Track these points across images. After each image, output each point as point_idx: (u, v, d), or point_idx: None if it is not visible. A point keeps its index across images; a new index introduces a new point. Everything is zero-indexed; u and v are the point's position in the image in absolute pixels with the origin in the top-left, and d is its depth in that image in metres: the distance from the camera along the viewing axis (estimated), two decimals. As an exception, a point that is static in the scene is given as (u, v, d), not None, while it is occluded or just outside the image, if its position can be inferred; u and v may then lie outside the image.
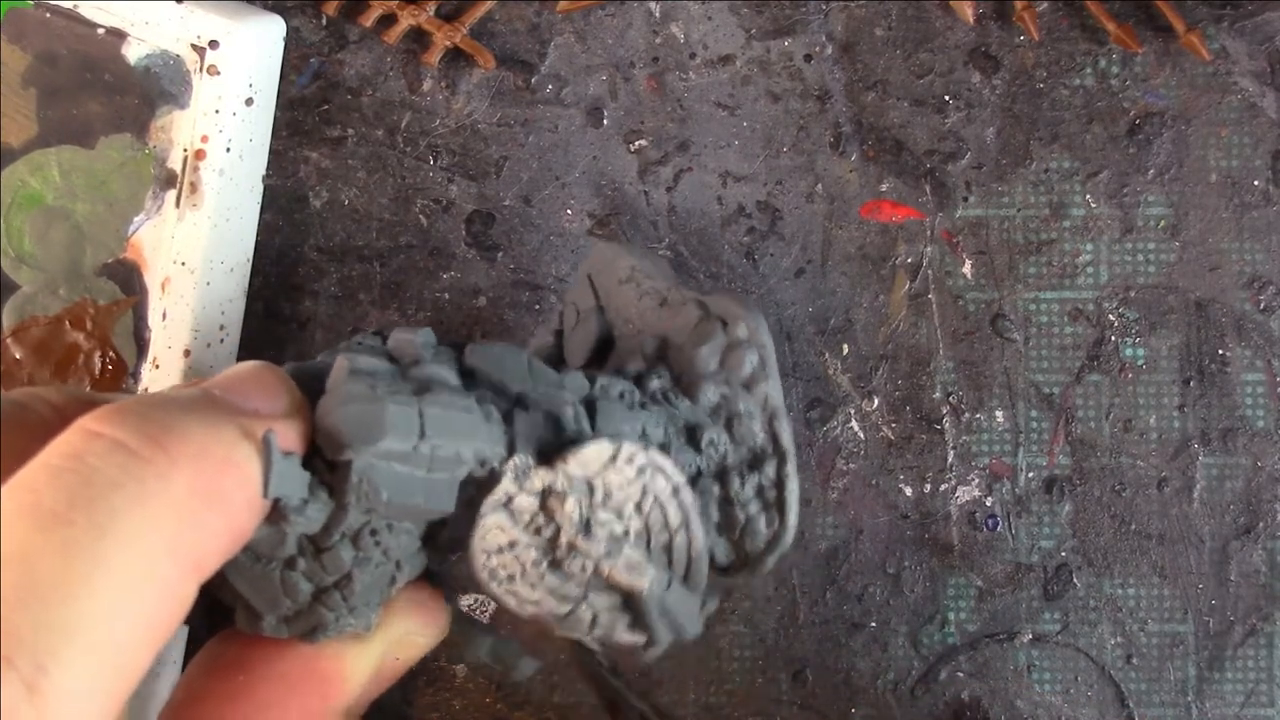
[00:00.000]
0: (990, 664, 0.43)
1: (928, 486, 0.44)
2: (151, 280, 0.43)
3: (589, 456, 0.31)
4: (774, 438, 0.34)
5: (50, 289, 0.44)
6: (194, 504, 0.24)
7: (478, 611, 0.40)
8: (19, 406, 0.27)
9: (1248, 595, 0.43)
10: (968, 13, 0.43)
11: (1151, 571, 0.43)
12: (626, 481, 0.31)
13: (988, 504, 0.43)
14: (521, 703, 0.44)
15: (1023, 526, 0.43)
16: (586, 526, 0.31)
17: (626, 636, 0.32)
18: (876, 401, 0.44)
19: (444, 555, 0.31)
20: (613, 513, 0.32)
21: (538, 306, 0.44)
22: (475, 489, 0.29)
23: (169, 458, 0.24)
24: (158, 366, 0.43)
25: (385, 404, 0.27)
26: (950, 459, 0.44)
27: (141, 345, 0.43)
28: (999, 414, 0.43)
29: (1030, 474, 0.43)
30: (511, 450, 0.29)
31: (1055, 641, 0.43)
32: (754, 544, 0.34)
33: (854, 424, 0.44)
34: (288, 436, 0.27)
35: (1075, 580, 0.43)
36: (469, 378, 0.31)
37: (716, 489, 0.34)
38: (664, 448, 0.33)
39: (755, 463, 0.34)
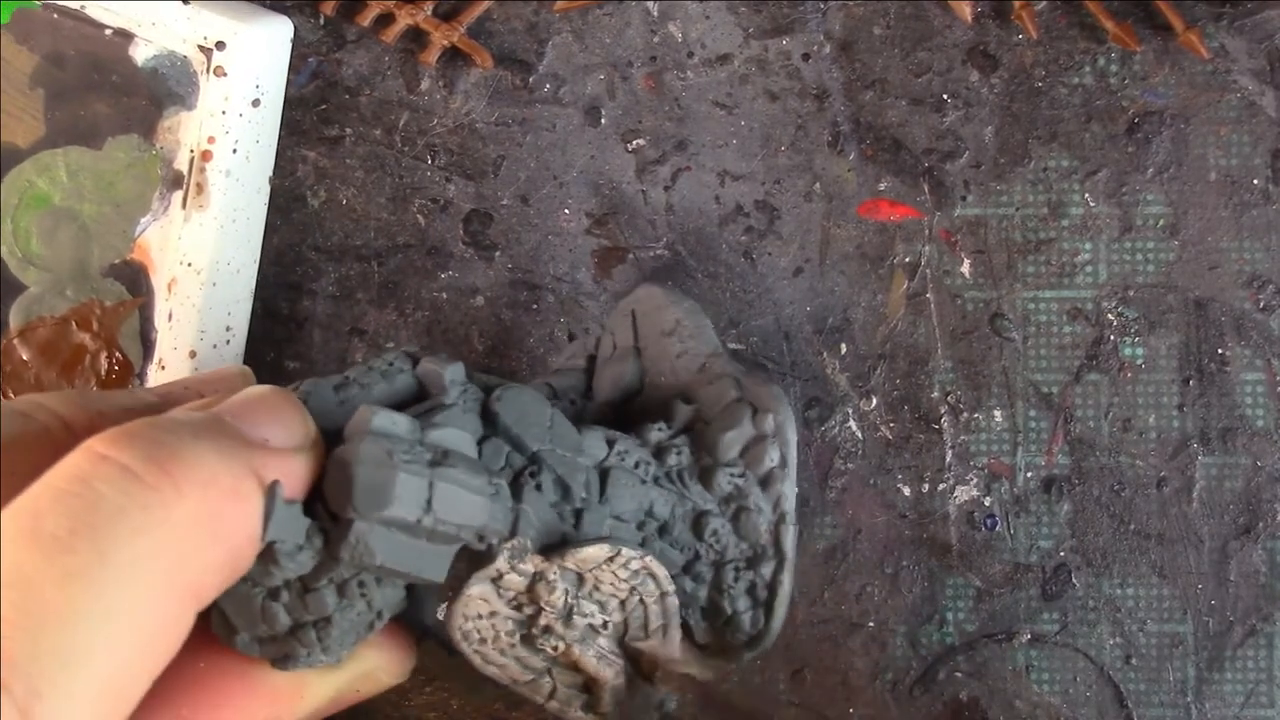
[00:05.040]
0: (989, 664, 0.43)
1: (926, 486, 0.43)
2: (158, 281, 0.43)
3: (588, 555, 0.31)
4: (777, 540, 0.34)
5: (57, 289, 0.44)
6: (197, 535, 0.24)
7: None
8: (22, 417, 0.27)
9: (1247, 595, 0.43)
10: (966, 11, 0.43)
11: (1151, 571, 0.43)
12: (618, 580, 0.32)
13: (986, 504, 0.43)
14: (519, 702, 0.44)
15: (1021, 526, 0.43)
16: (569, 615, 0.32)
17: (579, 715, 0.33)
18: (874, 401, 0.44)
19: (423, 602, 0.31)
20: (596, 605, 0.32)
21: (535, 306, 0.44)
22: (468, 558, 0.30)
23: (175, 486, 0.24)
24: (164, 367, 0.43)
25: (396, 473, 0.27)
26: (948, 458, 0.43)
27: (148, 346, 0.44)
28: (997, 413, 0.43)
29: (1029, 474, 0.43)
30: (513, 532, 0.30)
31: (1054, 642, 0.43)
32: (735, 637, 0.34)
33: (852, 423, 0.44)
34: (295, 473, 0.27)
35: (1074, 580, 0.43)
36: (489, 421, 0.31)
37: (710, 575, 0.34)
38: (666, 527, 0.33)
39: (753, 561, 0.34)
